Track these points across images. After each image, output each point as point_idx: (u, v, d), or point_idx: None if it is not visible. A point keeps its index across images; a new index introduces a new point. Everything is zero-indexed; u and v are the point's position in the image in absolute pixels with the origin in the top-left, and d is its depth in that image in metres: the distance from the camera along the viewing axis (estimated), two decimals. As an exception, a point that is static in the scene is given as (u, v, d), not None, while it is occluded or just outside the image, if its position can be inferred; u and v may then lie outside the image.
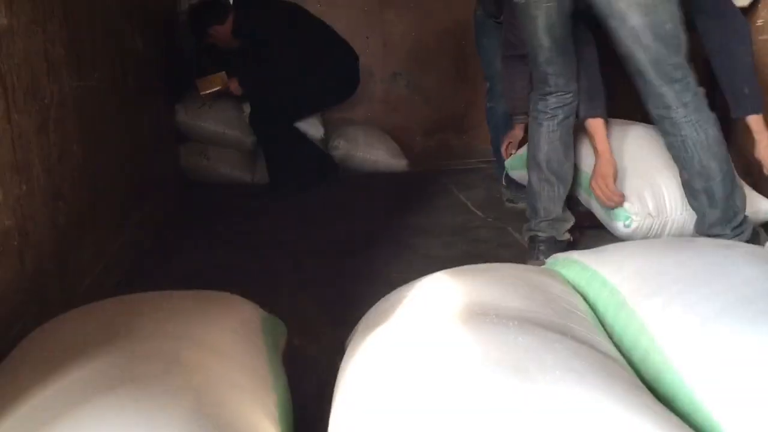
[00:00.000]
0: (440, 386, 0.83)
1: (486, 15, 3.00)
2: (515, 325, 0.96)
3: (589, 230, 2.48)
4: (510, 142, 2.88)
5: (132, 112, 2.54)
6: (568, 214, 2.26)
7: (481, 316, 1.02)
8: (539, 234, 2.20)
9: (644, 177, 2.16)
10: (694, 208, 2.04)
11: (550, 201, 2.18)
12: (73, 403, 0.76)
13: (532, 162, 2.20)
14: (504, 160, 2.94)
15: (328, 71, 3.49)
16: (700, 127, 1.89)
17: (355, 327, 1.35)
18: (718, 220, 1.97)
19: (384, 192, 3.48)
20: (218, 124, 3.53)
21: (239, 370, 0.99)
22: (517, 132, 2.86)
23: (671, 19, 1.83)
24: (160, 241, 2.62)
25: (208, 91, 3.39)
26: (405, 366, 0.91)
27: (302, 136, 3.61)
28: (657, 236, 2.13)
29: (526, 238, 2.29)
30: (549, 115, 2.12)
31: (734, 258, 1.16)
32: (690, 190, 2.01)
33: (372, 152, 3.89)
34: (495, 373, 0.81)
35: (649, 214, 2.11)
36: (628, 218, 2.11)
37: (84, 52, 1.95)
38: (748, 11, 2.43)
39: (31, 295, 1.41)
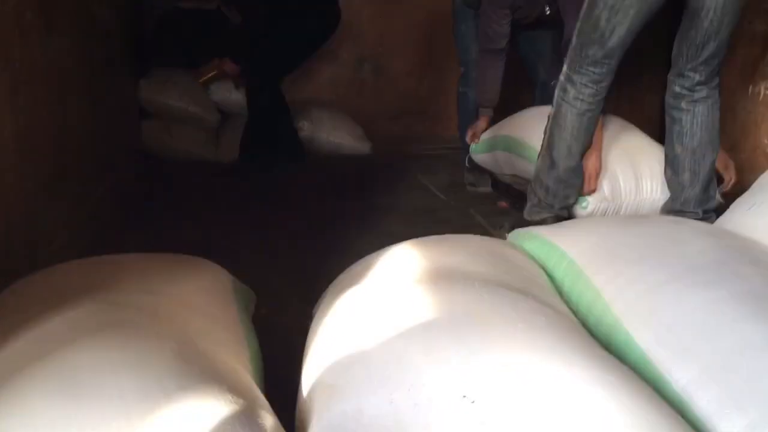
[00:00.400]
0: (409, 340, 0.87)
1: (465, 3, 3.04)
2: (480, 285, 1.02)
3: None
4: (473, 133, 2.94)
5: (98, 84, 2.52)
6: None
7: (446, 277, 1.07)
8: (552, 216, 2.23)
9: (602, 165, 2.25)
10: (671, 184, 2.14)
11: (572, 189, 2.21)
12: (58, 344, 0.79)
13: (566, 152, 2.15)
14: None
15: (308, 11, 3.45)
16: (711, 109, 2.04)
17: (323, 293, 1.39)
18: (694, 198, 2.08)
19: (348, 174, 3.51)
20: (182, 101, 3.50)
21: (214, 323, 1.02)
22: (482, 123, 2.92)
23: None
24: (124, 215, 2.61)
25: (204, 78, 3.48)
26: (373, 323, 0.95)
27: (287, 117, 3.61)
28: (612, 218, 2.22)
29: (535, 218, 2.28)
30: (594, 106, 2.09)
31: (684, 232, 1.23)
32: (676, 166, 2.10)
33: (336, 135, 3.91)
34: (462, 325, 0.86)
35: (605, 198, 2.20)
36: (584, 201, 2.19)
37: (53, 19, 1.94)
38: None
39: (-1, 258, 1.42)
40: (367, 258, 1.36)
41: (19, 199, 1.58)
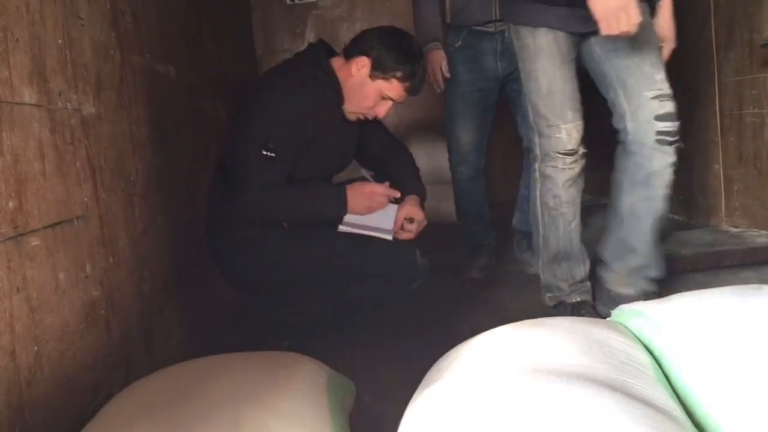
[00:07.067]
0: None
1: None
2: (566, 381, 0.97)
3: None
4: (433, 69, 2.74)
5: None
6: None
7: (534, 372, 1.03)
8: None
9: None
10: None
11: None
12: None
13: None
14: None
15: None
16: None
17: (420, 384, 1.38)
18: None
19: (457, 245, 3.50)
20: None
21: (298, 428, 1.04)
22: (437, 57, 2.75)
23: None
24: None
25: None
26: (456, 422, 0.93)
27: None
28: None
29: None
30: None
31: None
32: None
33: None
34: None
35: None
36: None
37: (167, 129, 2.10)
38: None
39: (117, 360, 1.52)
40: (460, 347, 1.33)
41: (136, 302, 1.69)
